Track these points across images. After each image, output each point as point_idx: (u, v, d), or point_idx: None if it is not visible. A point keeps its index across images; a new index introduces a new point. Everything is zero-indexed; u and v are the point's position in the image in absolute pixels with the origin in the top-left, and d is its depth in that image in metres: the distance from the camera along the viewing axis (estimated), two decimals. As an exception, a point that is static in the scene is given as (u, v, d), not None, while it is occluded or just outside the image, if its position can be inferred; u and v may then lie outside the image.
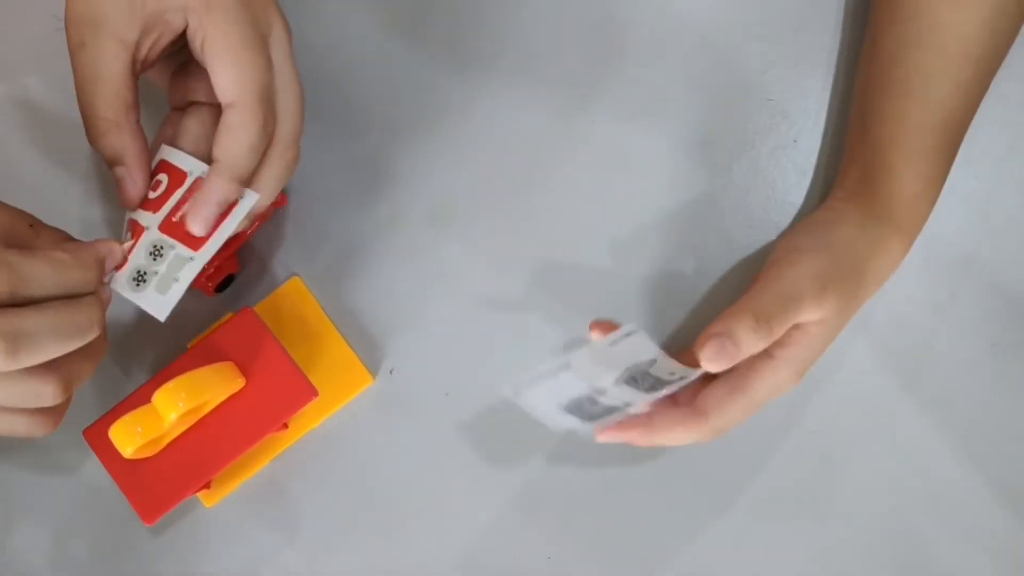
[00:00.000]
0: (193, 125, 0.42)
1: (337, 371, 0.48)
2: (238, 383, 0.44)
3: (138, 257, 0.41)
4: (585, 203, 0.49)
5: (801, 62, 0.48)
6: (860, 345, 0.47)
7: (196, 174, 0.41)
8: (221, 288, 0.47)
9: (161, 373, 0.44)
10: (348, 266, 0.50)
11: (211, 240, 0.41)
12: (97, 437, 0.44)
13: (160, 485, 0.44)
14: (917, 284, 0.47)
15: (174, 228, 0.41)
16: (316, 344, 0.49)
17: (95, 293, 0.38)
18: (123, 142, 0.40)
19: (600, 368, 0.39)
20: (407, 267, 0.49)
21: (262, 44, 0.40)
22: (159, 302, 0.40)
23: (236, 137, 0.39)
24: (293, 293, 0.49)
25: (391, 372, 0.49)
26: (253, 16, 0.40)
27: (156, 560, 0.49)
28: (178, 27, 0.40)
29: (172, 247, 0.40)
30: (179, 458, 0.44)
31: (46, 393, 0.37)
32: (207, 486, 0.47)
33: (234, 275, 0.48)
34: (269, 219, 0.49)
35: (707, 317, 0.48)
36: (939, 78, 0.42)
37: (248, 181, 0.41)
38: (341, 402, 0.49)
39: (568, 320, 0.48)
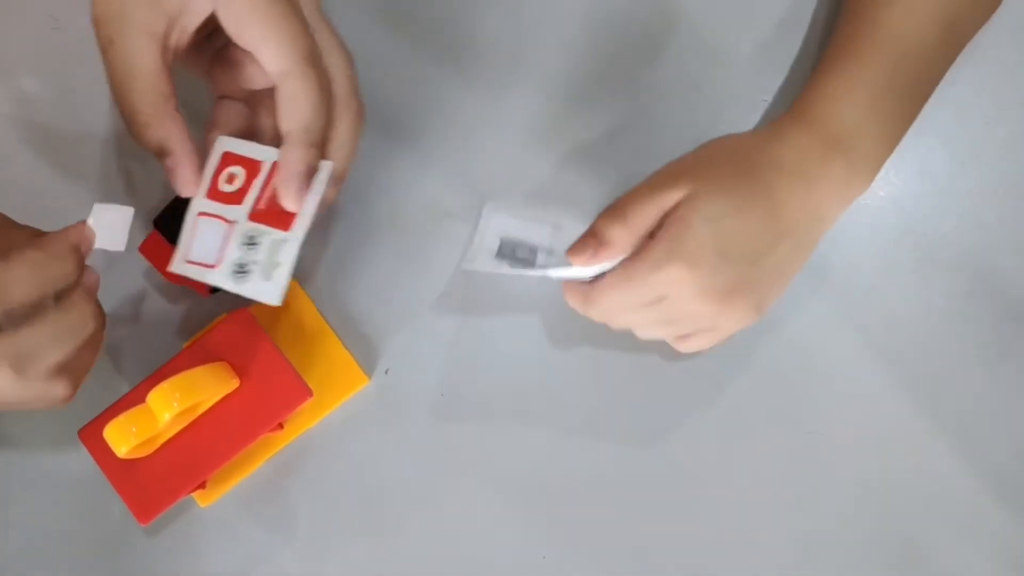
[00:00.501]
0: (267, 121, 0.43)
1: (332, 371, 0.48)
2: (233, 383, 0.44)
3: (233, 251, 0.41)
4: (584, 205, 0.49)
5: (795, 62, 0.48)
6: (855, 345, 0.47)
7: (271, 159, 0.42)
8: (216, 288, 0.47)
9: (156, 373, 0.45)
10: (344, 266, 0.50)
11: (300, 216, 0.41)
12: (92, 437, 0.44)
13: (155, 485, 0.44)
14: (911, 284, 0.47)
15: (262, 215, 0.41)
16: (311, 344, 0.49)
17: (80, 283, 0.38)
18: (167, 132, 0.40)
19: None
20: (403, 268, 0.50)
21: (294, 9, 0.40)
22: (267, 289, 0.41)
23: (298, 103, 0.40)
24: (289, 294, 0.49)
25: (386, 372, 0.49)
26: None
27: (151, 560, 0.49)
28: (204, 11, 0.40)
29: (265, 233, 0.41)
30: (174, 458, 0.44)
31: (58, 393, 0.38)
32: (202, 486, 0.47)
33: None
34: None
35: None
36: (884, 3, 0.42)
37: (323, 143, 0.41)
38: (337, 402, 0.49)
39: (565, 320, 0.48)
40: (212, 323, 0.47)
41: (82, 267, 0.39)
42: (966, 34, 0.45)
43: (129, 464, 0.44)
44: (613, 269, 0.42)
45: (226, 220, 0.41)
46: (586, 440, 0.48)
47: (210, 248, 0.41)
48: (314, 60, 0.40)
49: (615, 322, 0.43)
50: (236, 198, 0.41)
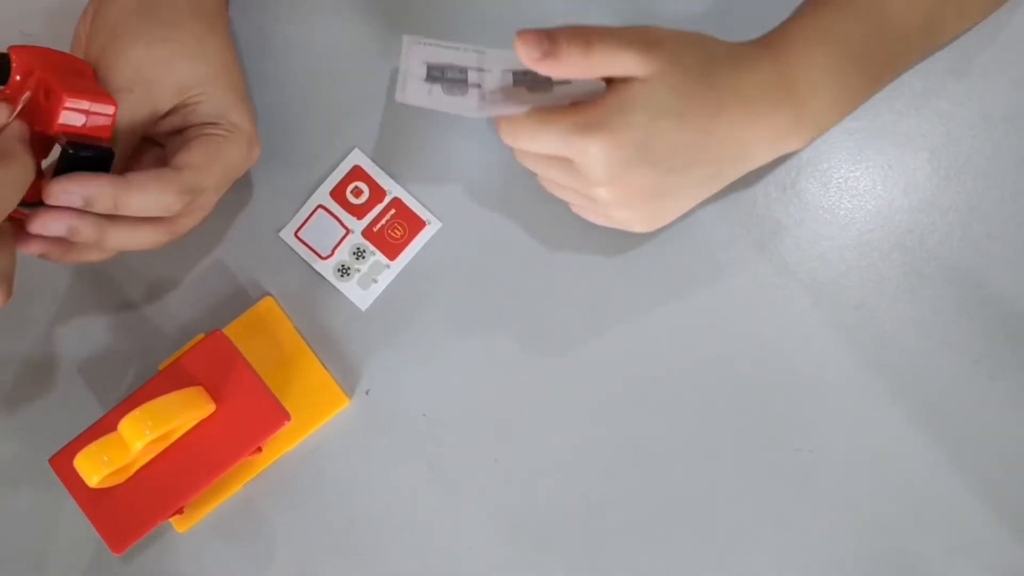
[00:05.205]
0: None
1: (312, 392, 0.48)
2: (208, 408, 0.43)
3: (343, 254, 0.48)
4: (573, 215, 0.48)
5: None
6: (843, 361, 0.47)
7: (393, 194, 0.48)
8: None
9: (129, 398, 0.44)
10: (323, 285, 0.49)
11: (403, 253, 0.48)
12: (63, 465, 0.43)
13: (129, 513, 0.43)
14: (900, 299, 0.47)
15: (374, 237, 0.48)
16: (290, 365, 0.48)
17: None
18: None
19: (504, 63, 0.40)
20: (382, 284, 0.49)
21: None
22: (361, 296, 0.48)
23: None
24: (266, 313, 0.48)
25: (367, 393, 0.48)
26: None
27: (128, 587, 0.48)
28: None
29: (373, 253, 0.48)
30: (149, 485, 0.43)
31: None
32: (180, 511, 0.46)
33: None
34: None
35: (690, 328, 0.47)
36: None
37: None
38: (316, 424, 0.48)
39: (549, 340, 0.48)
40: (187, 345, 0.46)
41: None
42: (945, 33, 0.44)
43: (102, 492, 0.43)
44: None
45: (344, 226, 0.48)
46: (572, 461, 0.47)
47: (325, 241, 0.48)
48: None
49: (523, 159, 0.42)
50: (358, 212, 0.48)
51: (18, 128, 0.39)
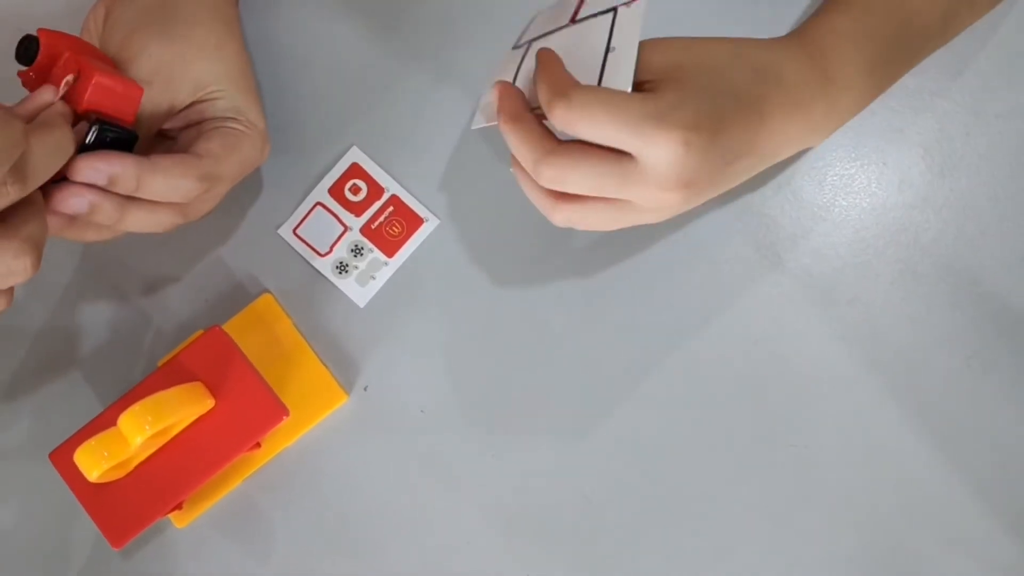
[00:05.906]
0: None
1: (311, 389, 0.48)
2: (207, 404, 0.43)
3: (341, 250, 0.48)
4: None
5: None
6: (838, 357, 0.47)
7: (391, 191, 0.48)
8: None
9: (128, 394, 0.44)
10: (321, 281, 0.49)
11: (401, 250, 0.48)
12: (63, 460, 0.43)
13: (129, 508, 0.43)
14: (894, 295, 0.47)
15: (372, 234, 0.48)
16: (289, 361, 0.48)
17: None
18: None
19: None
20: (380, 281, 0.49)
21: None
22: (359, 292, 0.48)
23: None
24: (265, 310, 0.49)
25: (365, 389, 0.49)
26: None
27: (127, 582, 0.48)
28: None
29: (371, 251, 0.48)
30: (148, 480, 0.43)
31: (22, 267, 0.36)
32: (179, 507, 0.46)
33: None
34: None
35: (686, 325, 0.48)
36: None
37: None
38: (315, 420, 0.48)
39: (546, 335, 0.48)
40: (186, 341, 0.46)
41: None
42: (957, 28, 0.44)
43: (102, 487, 0.43)
44: None
45: (342, 223, 0.48)
46: (570, 457, 0.48)
47: (323, 238, 0.49)
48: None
49: (561, 178, 0.37)
50: (356, 209, 0.48)
51: (61, 107, 0.39)
